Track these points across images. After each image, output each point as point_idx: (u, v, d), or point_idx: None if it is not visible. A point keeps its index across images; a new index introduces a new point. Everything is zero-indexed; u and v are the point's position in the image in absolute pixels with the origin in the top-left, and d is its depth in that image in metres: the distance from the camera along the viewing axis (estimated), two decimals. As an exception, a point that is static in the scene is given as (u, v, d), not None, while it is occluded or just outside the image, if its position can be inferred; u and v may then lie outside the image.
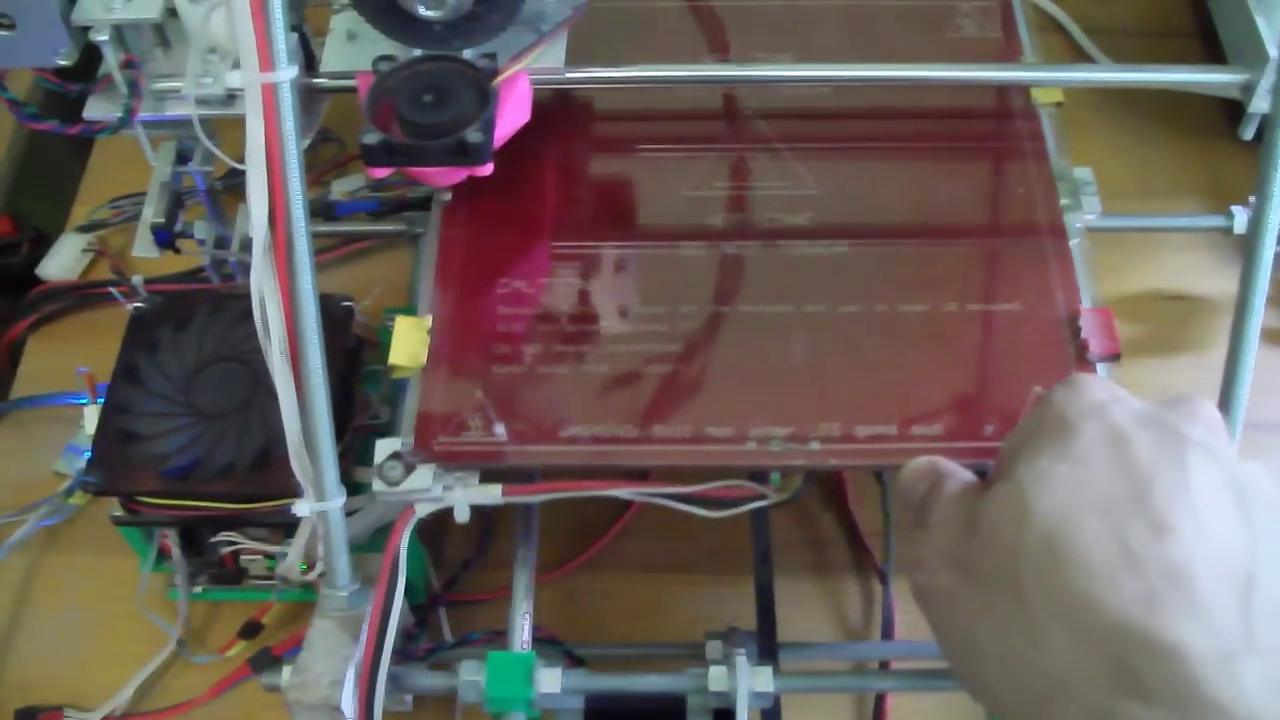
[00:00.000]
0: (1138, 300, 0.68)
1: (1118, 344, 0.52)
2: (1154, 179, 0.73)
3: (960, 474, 0.44)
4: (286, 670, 0.48)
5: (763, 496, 0.50)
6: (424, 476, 0.49)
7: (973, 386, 0.51)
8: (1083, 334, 0.52)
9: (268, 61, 0.42)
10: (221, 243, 0.62)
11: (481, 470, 0.50)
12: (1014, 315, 0.53)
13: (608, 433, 0.50)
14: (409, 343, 0.52)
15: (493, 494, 0.50)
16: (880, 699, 0.56)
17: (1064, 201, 0.57)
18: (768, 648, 0.52)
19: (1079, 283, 0.54)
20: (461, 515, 0.50)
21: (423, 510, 0.50)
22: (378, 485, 0.49)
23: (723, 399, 0.51)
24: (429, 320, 0.53)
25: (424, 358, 0.52)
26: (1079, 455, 0.39)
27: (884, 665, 0.57)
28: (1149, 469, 0.38)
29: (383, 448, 0.50)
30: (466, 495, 0.50)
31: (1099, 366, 0.51)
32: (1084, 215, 0.57)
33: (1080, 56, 0.77)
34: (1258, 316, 0.48)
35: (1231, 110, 0.62)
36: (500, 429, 0.50)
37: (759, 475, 0.50)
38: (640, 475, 0.51)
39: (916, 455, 0.48)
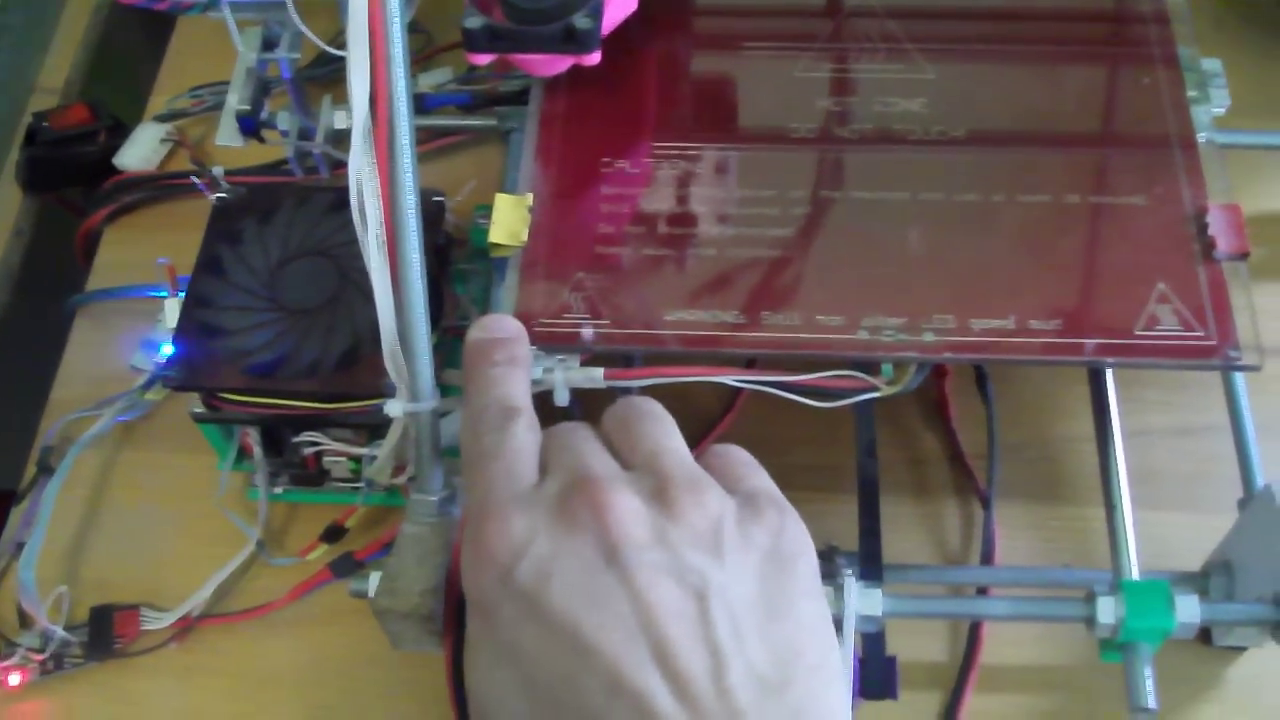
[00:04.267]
0: (1259, 222, 0.64)
1: (1246, 241, 0.50)
2: (1277, 96, 0.70)
3: (529, 417, 0.42)
4: (374, 577, 0.46)
5: (874, 388, 0.48)
6: None
7: (1093, 282, 0.49)
8: (1210, 230, 0.50)
9: (373, -68, 0.39)
10: (305, 134, 0.60)
11: (581, 353, 0.48)
12: (1138, 209, 0.51)
13: (713, 318, 0.49)
14: (510, 220, 0.51)
15: (594, 376, 0.48)
16: (976, 623, 0.54)
17: (1191, 93, 0.55)
18: (873, 568, 0.50)
19: (1206, 177, 0.52)
20: (561, 398, 0.48)
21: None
22: None
23: (834, 287, 0.49)
24: (529, 198, 0.51)
25: (525, 235, 0.50)
26: (508, 645, 0.37)
27: (981, 591, 0.55)
28: (573, 623, 0.36)
29: None
30: (567, 378, 0.48)
31: (1226, 265, 0.49)
32: (1212, 108, 0.55)
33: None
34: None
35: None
36: (602, 311, 0.49)
37: (868, 367, 0.48)
38: (745, 366, 0.49)
39: (1033, 351, 0.47)
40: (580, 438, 0.41)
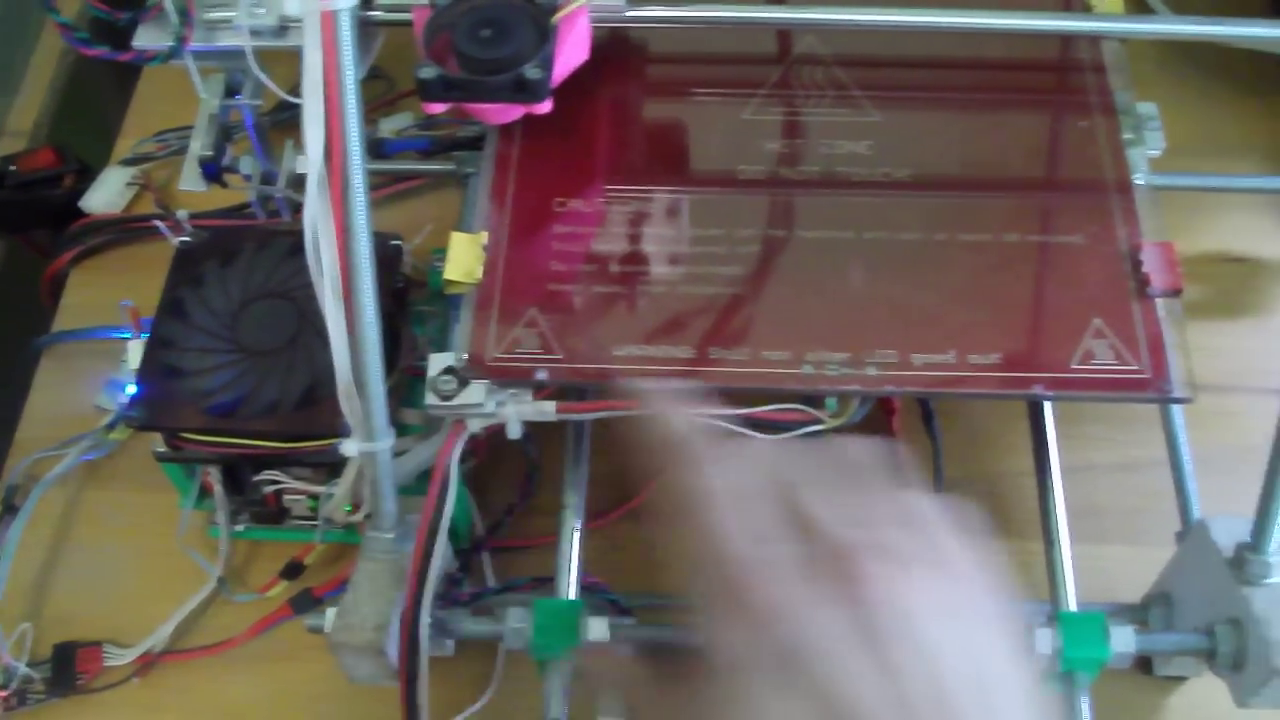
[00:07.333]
0: (1199, 261, 0.66)
1: (1180, 279, 0.51)
2: (1217, 138, 0.71)
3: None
4: (330, 613, 0.47)
5: (818, 421, 0.49)
6: (477, 392, 0.49)
7: (1031, 318, 0.51)
8: (1144, 268, 0.51)
9: (327, -11, 0.41)
10: (268, 178, 0.61)
11: (534, 388, 0.49)
12: (1075, 248, 0.52)
13: (662, 353, 0.50)
14: (464, 258, 0.52)
15: (546, 410, 0.49)
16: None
17: (1127, 136, 0.56)
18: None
19: (1141, 217, 0.53)
20: (514, 431, 0.49)
21: (474, 425, 0.49)
22: (431, 399, 0.49)
23: (779, 323, 0.51)
24: (484, 236, 0.52)
25: (479, 273, 0.51)
26: (757, 709, 0.35)
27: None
28: (832, 695, 0.34)
29: (437, 362, 0.49)
30: (519, 411, 0.49)
31: (1160, 301, 0.50)
32: (1147, 150, 0.56)
33: (1143, 9, 0.75)
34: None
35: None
36: (555, 346, 0.50)
37: (813, 400, 0.49)
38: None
39: (972, 384, 0.49)
40: (819, 499, 0.39)
